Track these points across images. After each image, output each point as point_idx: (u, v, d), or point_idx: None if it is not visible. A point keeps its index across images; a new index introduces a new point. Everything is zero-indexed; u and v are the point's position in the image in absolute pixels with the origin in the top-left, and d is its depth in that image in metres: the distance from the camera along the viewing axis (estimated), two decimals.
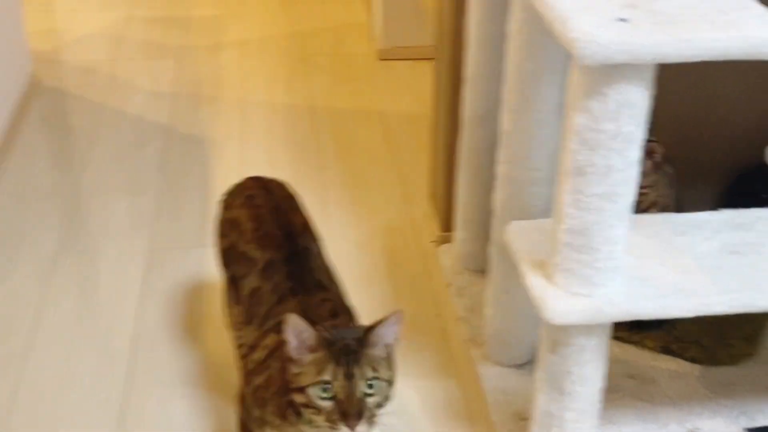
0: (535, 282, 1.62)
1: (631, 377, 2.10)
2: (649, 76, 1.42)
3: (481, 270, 2.39)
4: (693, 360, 2.13)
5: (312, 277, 1.74)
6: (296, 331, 1.45)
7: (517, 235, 1.75)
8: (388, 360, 1.48)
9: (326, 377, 1.42)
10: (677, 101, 2.30)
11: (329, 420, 1.43)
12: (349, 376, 1.42)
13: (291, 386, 1.46)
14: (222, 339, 2.04)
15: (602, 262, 1.55)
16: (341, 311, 1.69)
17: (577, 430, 1.72)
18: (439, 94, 2.50)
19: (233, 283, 1.82)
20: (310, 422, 1.48)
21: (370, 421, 1.45)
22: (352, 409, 1.41)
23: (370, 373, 1.43)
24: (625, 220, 1.53)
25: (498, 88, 2.15)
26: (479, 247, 2.35)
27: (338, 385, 1.42)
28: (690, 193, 2.34)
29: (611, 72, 1.39)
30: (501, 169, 1.91)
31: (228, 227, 1.90)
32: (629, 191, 1.51)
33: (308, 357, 1.45)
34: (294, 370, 1.46)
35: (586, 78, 1.41)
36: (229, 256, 1.86)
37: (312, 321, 1.48)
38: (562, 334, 1.63)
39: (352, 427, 1.41)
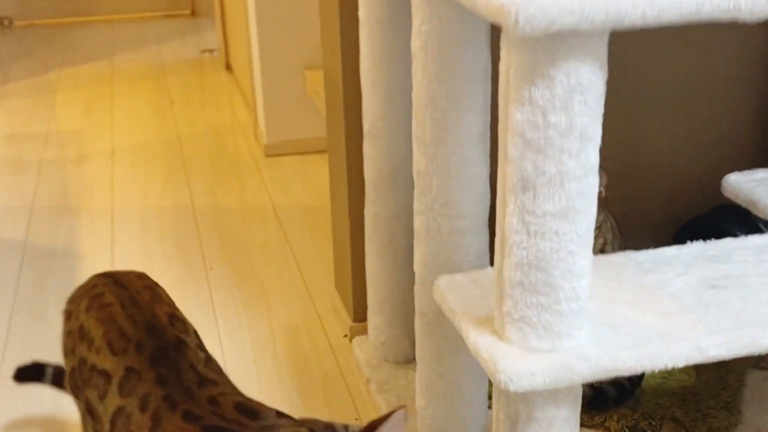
0: (481, 341, 1.25)
1: None
2: (603, 51, 1.11)
3: (403, 360, 2.01)
4: None
5: (193, 374, 1.31)
6: None
7: (450, 290, 1.39)
8: None
9: None
10: (614, 148, 2.03)
11: None
12: None
13: None
14: None
15: (565, 303, 1.20)
16: (251, 407, 1.26)
17: None
18: (335, 161, 2.17)
19: (90, 414, 1.36)
20: None
21: None
22: None
23: None
24: (588, 245, 1.20)
25: (404, 138, 1.84)
26: (398, 332, 1.98)
27: None
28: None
29: (556, 46, 1.08)
30: (418, 222, 1.56)
31: (72, 341, 1.45)
32: (590, 208, 1.18)
33: None
34: None
35: (523, 59, 1.10)
36: (79, 377, 1.40)
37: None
38: (522, 407, 1.25)
39: None
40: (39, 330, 2.30)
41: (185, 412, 1.22)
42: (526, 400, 1.25)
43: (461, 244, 1.52)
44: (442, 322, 1.59)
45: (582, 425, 1.82)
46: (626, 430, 1.80)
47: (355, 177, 2.03)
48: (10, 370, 2.16)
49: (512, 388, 1.19)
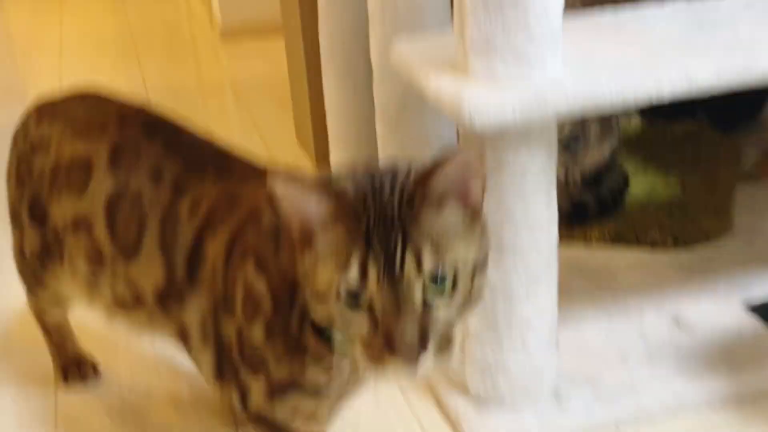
0: (442, 82, 1.11)
1: (582, 275, 1.60)
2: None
3: None
4: (654, 244, 1.66)
5: (212, 147, 1.12)
6: (293, 198, 0.81)
7: (409, 50, 1.24)
8: (469, 228, 0.84)
9: (351, 275, 0.79)
10: None
11: (367, 352, 0.81)
12: (392, 270, 0.79)
13: (303, 293, 0.85)
14: None
15: (534, 20, 1.05)
16: None
17: (529, 304, 1.21)
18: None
19: (56, 241, 1.18)
20: (344, 353, 0.89)
21: (441, 351, 0.82)
22: (402, 333, 0.78)
23: (431, 261, 0.80)
24: None
25: None
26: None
27: (374, 289, 0.79)
28: None
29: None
30: (372, 3, 1.41)
31: (26, 166, 1.22)
32: None
33: (321, 240, 0.82)
34: (300, 262, 0.84)
35: None
36: (38, 204, 1.19)
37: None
38: (491, 152, 1.12)
39: (406, 365, 0.79)
40: None
41: (217, 172, 1.06)
42: (495, 144, 1.11)
43: (420, 16, 1.38)
44: (405, 118, 1.46)
45: (561, 239, 1.70)
46: (610, 240, 1.68)
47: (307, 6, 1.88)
48: None
49: (478, 124, 1.05)
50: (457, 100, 1.07)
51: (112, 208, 1.08)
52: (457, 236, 0.81)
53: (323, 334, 0.91)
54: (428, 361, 0.79)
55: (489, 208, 1.13)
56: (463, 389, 1.31)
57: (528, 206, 1.15)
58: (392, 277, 0.78)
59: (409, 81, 1.22)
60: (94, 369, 1.45)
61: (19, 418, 1.38)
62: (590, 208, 1.72)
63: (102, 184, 1.09)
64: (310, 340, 0.92)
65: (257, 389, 0.98)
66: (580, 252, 1.67)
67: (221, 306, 0.99)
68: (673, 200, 1.77)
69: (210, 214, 1.02)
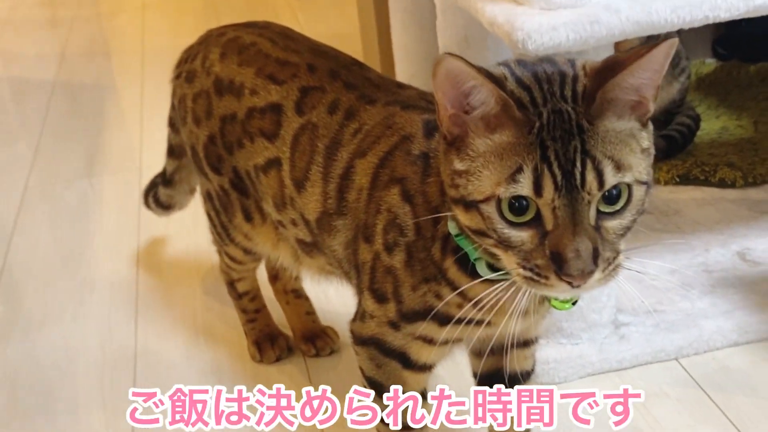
0: (498, 9, 1.13)
1: (648, 212, 1.59)
2: None
3: None
4: (723, 183, 1.64)
5: (387, 81, 1.09)
6: (454, 81, 0.75)
7: None
8: (644, 140, 0.77)
9: (522, 187, 0.74)
10: None
11: (529, 268, 0.76)
12: (570, 185, 0.73)
13: (450, 200, 0.80)
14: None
15: None
16: None
17: None
18: None
19: (239, 181, 1.17)
20: (491, 268, 0.83)
21: (609, 269, 0.76)
22: (574, 252, 0.73)
23: (613, 176, 0.74)
24: None
25: None
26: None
27: (548, 204, 0.74)
28: None
29: None
30: None
31: (206, 104, 1.18)
32: None
33: (482, 141, 0.76)
34: (454, 167, 0.78)
35: None
36: (223, 141, 1.16)
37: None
38: None
39: (575, 282, 0.75)
40: (65, 150, 2.24)
41: (387, 102, 1.00)
42: None
43: None
44: (468, 56, 1.46)
45: None
46: (676, 179, 1.66)
47: None
48: (36, 184, 2.12)
49: (531, 46, 1.06)
50: (512, 24, 1.08)
51: (294, 145, 1.06)
52: (634, 150, 0.75)
53: (465, 262, 0.86)
54: (595, 282, 0.75)
55: None
56: None
57: None
58: (570, 192, 0.73)
59: (467, 12, 1.23)
60: (288, 344, 1.40)
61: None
62: (658, 146, 1.70)
63: (290, 125, 1.07)
64: (452, 268, 0.87)
65: (381, 316, 0.94)
66: None
67: (361, 232, 0.95)
68: (745, 140, 1.74)
69: (365, 138, 0.97)
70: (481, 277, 0.83)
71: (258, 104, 1.11)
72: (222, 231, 1.26)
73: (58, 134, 2.34)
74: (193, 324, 1.50)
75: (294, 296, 1.41)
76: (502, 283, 0.81)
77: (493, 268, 0.83)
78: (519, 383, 1.03)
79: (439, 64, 0.75)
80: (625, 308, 1.34)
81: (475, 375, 1.07)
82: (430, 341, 0.94)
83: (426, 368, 0.98)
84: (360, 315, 0.98)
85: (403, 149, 0.91)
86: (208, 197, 1.26)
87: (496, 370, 1.04)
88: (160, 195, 1.54)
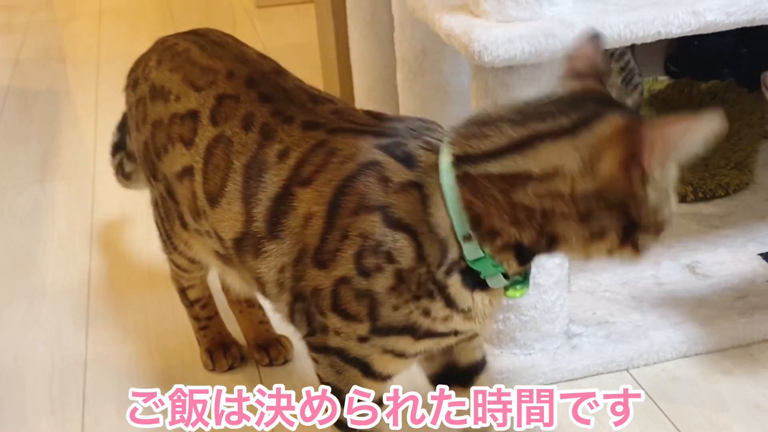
0: (454, 21, 1.14)
1: None
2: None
3: None
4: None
5: (304, 93, 1.07)
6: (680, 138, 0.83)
7: None
8: None
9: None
10: None
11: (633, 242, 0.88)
12: None
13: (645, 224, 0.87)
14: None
15: None
16: (381, 114, 1.02)
17: None
18: None
19: (169, 194, 1.17)
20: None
21: None
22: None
23: None
24: None
25: None
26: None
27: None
28: None
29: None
30: None
31: (143, 109, 1.21)
32: None
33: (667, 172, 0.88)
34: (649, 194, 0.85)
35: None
36: (153, 148, 1.17)
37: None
38: (501, 91, 1.14)
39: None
40: (18, 155, 2.22)
41: (305, 122, 1.00)
42: (506, 81, 1.13)
43: None
44: (424, 68, 1.48)
45: None
46: None
47: None
48: None
49: (487, 58, 1.08)
50: (468, 36, 1.09)
51: (209, 154, 1.06)
52: None
53: (467, 277, 0.90)
54: None
55: None
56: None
57: None
58: None
59: (425, 24, 1.24)
60: (242, 353, 1.40)
61: None
62: None
63: (204, 134, 1.07)
64: (455, 285, 0.90)
65: (350, 332, 0.94)
66: None
67: (310, 258, 0.94)
68: (696, 156, 1.77)
69: (301, 166, 0.97)
70: (482, 288, 0.90)
71: (179, 110, 1.12)
72: (166, 239, 1.26)
73: (11, 139, 2.31)
74: (145, 331, 1.49)
75: (247, 305, 1.39)
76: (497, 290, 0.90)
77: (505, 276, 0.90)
78: (476, 374, 1.06)
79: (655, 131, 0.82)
80: (577, 319, 1.36)
81: (429, 377, 1.08)
82: (400, 355, 0.95)
83: (388, 378, 0.99)
84: (319, 329, 0.97)
85: (372, 177, 0.90)
86: (154, 204, 1.26)
87: (448, 366, 1.06)
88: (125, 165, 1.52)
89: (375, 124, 0.98)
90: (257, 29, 3.08)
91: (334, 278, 0.92)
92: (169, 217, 1.21)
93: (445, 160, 0.87)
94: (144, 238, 1.72)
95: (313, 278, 0.94)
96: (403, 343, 0.93)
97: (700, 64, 2.03)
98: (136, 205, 1.74)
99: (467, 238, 0.87)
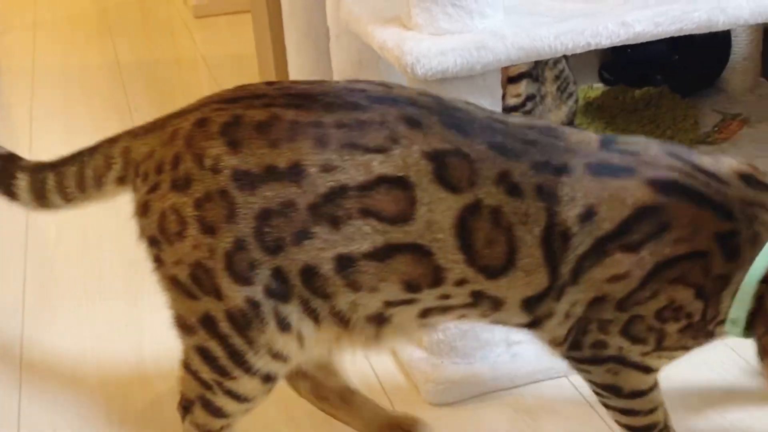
0: (387, 34, 1.14)
1: None
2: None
3: None
4: None
5: (515, 125, 0.99)
6: None
7: (358, 7, 1.27)
8: None
9: None
10: None
11: None
12: None
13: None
14: None
15: None
16: None
17: None
18: None
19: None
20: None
21: None
22: None
23: None
24: None
25: None
26: None
27: None
28: None
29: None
30: None
31: (226, 197, 0.97)
32: None
33: None
34: None
35: None
36: (276, 225, 0.96)
37: None
38: None
39: None
40: None
41: (588, 166, 0.95)
42: (439, 93, 1.14)
43: None
44: (359, 77, 1.48)
45: None
46: None
47: None
48: None
49: (420, 71, 1.08)
50: (401, 49, 1.10)
51: (461, 231, 0.95)
52: None
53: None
54: None
55: None
56: (417, 341, 1.34)
57: None
58: None
59: (359, 36, 1.25)
60: None
61: None
62: None
63: (440, 207, 0.94)
64: (717, 329, 1.00)
65: (634, 350, 1.01)
66: None
67: (611, 302, 0.98)
68: None
69: (629, 234, 0.95)
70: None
71: (352, 181, 0.94)
72: (231, 362, 1.02)
73: None
74: (82, 351, 1.46)
75: (349, 394, 1.22)
76: None
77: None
78: None
79: None
80: None
81: None
82: (672, 358, 1.05)
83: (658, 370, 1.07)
84: (595, 345, 1.02)
85: (698, 264, 0.95)
86: (204, 324, 1.02)
87: None
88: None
89: (717, 191, 0.95)
90: (196, 40, 3.06)
91: (629, 315, 0.98)
92: (251, 328, 1.00)
93: (761, 267, 0.93)
94: (80, 254, 1.69)
95: (607, 313, 0.99)
96: (677, 354, 1.04)
97: (633, 71, 2.07)
98: (72, 221, 1.71)
99: (734, 322, 0.97)
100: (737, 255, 0.94)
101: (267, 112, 0.97)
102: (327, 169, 0.94)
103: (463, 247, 0.95)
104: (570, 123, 1.81)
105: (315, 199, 0.94)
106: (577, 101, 1.82)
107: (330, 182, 0.94)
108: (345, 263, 0.96)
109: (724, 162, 0.97)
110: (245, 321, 0.99)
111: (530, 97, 1.72)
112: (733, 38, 2.02)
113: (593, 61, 2.11)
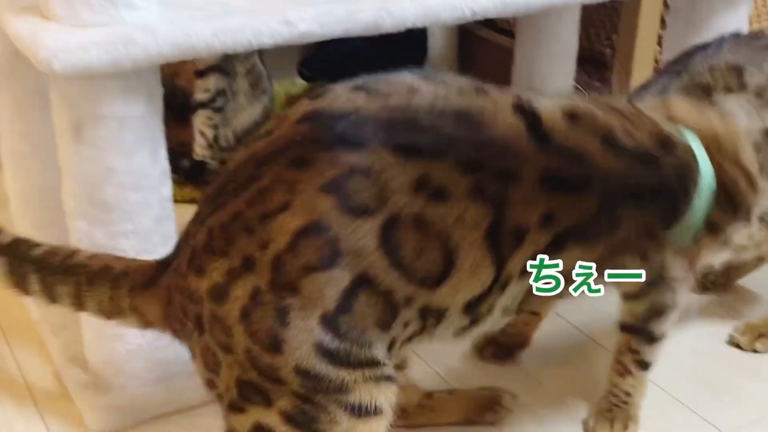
0: (22, 25, 1.01)
1: None
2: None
3: None
4: None
5: None
6: None
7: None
8: None
9: None
10: None
11: None
12: None
13: None
14: None
15: None
16: None
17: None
18: None
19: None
20: None
21: None
22: None
23: None
24: None
25: None
26: None
27: None
28: None
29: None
30: None
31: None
32: None
33: None
34: None
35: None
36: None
37: None
38: (83, 104, 1.03)
39: None
40: None
41: None
42: (87, 94, 1.02)
43: None
44: (19, 71, 1.33)
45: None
46: None
47: None
48: None
49: (57, 66, 0.96)
50: (36, 42, 0.97)
51: None
52: None
53: None
54: None
55: (87, 166, 1.05)
56: (82, 363, 1.22)
57: (131, 161, 1.07)
58: None
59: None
60: None
61: None
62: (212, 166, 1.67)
63: None
64: None
65: None
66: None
67: None
68: None
69: None
70: None
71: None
72: None
73: None
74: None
75: (428, 398, 1.21)
76: None
77: None
78: None
79: None
80: None
81: None
82: None
83: None
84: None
85: None
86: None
87: None
88: None
89: None
90: None
91: None
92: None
93: None
94: None
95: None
96: None
97: (334, 66, 2.05)
98: None
99: None
100: None
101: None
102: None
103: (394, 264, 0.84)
104: (265, 121, 1.75)
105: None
106: (272, 98, 1.76)
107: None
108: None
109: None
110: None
111: (220, 93, 1.64)
112: (429, 36, 2.05)
113: (292, 56, 2.07)
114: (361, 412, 0.86)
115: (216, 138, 1.65)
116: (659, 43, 1.84)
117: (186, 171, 1.64)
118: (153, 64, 1.04)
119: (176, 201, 1.56)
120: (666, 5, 1.79)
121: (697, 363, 1.32)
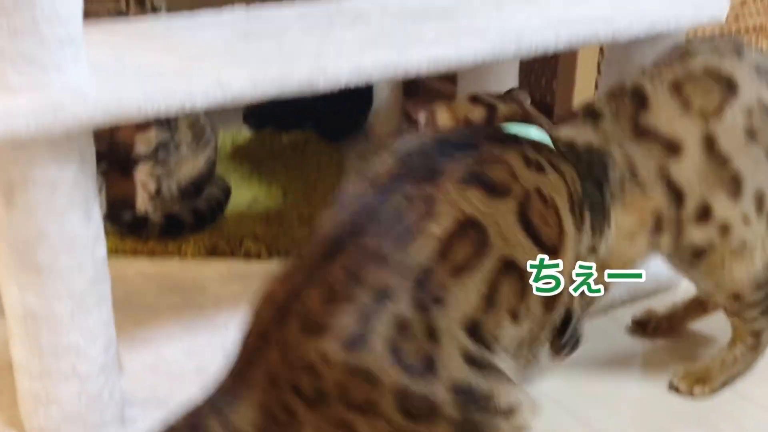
0: None
1: (173, 291, 1.55)
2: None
3: None
4: (248, 255, 1.64)
5: None
6: None
7: None
8: None
9: None
10: None
11: None
12: None
13: None
14: None
15: (49, 27, 0.97)
16: None
17: (77, 329, 1.12)
18: None
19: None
20: None
21: None
22: None
23: None
24: None
25: None
26: None
27: None
28: None
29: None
30: None
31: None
32: None
33: None
34: None
35: None
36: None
37: None
38: (13, 167, 1.02)
39: None
40: None
41: None
42: (18, 158, 1.02)
43: None
44: None
45: (155, 255, 1.64)
46: (204, 253, 1.64)
47: None
48: None
49: None
50: None
51: None
52: None
53: None
54: None
55: (19, 230, 1.05)
56: (18, 425, 1.20)
57: (63, 224, 1.07)
58: None
59: None
60: None
61: None
62: (185, 220, 1.67)
63: None
64: None
65: None
66: (174, 267, 1.61)
67: None
68: (273, 211, 1.77)
69: None
70: None
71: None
72: None
73: None
74: None
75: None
76: None
77: None
78: None
79: None
80: (136, 401, 1.26)
81: None
82: None
83: None
84: None
85: None
86: None
87: None
88: None
89: None
90: None
91: None
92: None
93: None
94: None
95: None
96: None
97: (279, 116, 2.05)
98: None
99: None
100: None
101: None
102: None
103: None
104: (210, 171, 1.74)
105: None
106: (216, 149, 1.76)
107: None
108: None
109: None
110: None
111: (163, 145, 1.63)
112: (375, 87, 2.07)
113: (239, 105, 2.07)
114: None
115: (159, 190, 1.65)
116: (597, 87, 1.87)
117: (128, 224, 1.63)
118: (84, 130, 1.04)
119: (118, 254, 1.56)
120: (602, 52, 1.83)
121: (637, 410, 1.33)
